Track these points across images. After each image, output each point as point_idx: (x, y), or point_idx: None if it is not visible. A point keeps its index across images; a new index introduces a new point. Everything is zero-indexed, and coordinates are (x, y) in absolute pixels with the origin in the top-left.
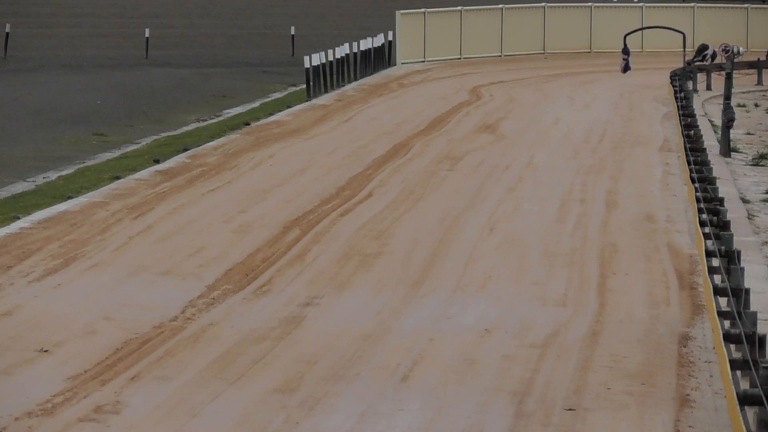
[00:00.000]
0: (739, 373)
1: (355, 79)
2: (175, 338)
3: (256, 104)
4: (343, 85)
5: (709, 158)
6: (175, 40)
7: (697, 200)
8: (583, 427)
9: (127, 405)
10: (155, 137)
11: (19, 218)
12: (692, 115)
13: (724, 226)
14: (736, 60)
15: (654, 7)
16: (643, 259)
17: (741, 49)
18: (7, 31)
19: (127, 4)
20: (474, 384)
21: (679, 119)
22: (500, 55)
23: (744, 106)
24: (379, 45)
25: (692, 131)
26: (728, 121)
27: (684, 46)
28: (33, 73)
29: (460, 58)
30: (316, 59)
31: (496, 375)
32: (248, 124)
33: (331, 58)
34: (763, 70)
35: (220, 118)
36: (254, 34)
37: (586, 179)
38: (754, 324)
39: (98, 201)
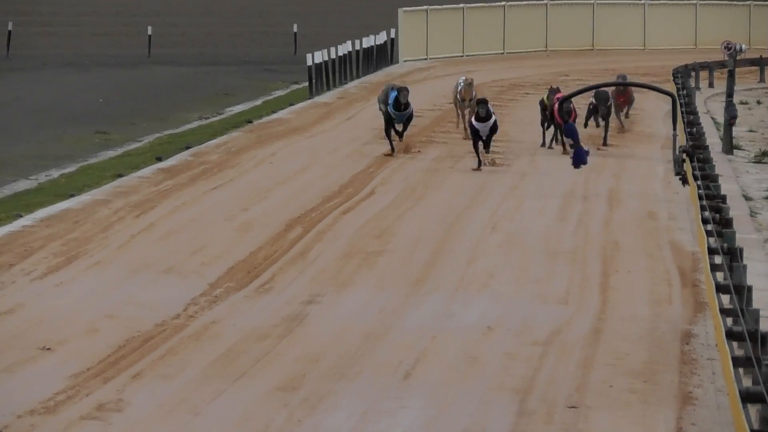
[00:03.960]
0: (741, 370)
1: (358, 77)
2: (177, 336)
3: (259, 102)
4: (346, 83)
5: (711, 156)
6: (178, 38)
7: (700, 198)
8: (586, 425)
9: (130, 403)
10: (157, 135)
11: (21, 216)
12: (695, 113)
13: (727, 223)
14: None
15: (656, 4)
16: (645, 256)
17: (743, 46)
18: (9, 29)
19: (129, 2)
20: (476, 382)
21: (682, 116)
22: (503, 53)
23: (746, 103)
24: (382, 43)
25: (694, 128)
26: (731, 119)
27: (674, 113)
28: (35, 72)
29: (462, 56)
30: (319, 57)
31: (499, 373)
32: (250, 122)
33: (333, 56)
34: (766, 67)
35: (223, 116)
36: (256, 32)
37: (588, 177)
38: (757, 321)
39: (101, 199)
